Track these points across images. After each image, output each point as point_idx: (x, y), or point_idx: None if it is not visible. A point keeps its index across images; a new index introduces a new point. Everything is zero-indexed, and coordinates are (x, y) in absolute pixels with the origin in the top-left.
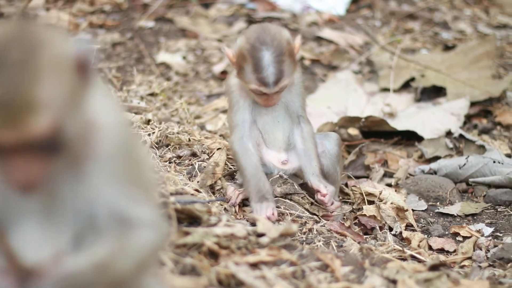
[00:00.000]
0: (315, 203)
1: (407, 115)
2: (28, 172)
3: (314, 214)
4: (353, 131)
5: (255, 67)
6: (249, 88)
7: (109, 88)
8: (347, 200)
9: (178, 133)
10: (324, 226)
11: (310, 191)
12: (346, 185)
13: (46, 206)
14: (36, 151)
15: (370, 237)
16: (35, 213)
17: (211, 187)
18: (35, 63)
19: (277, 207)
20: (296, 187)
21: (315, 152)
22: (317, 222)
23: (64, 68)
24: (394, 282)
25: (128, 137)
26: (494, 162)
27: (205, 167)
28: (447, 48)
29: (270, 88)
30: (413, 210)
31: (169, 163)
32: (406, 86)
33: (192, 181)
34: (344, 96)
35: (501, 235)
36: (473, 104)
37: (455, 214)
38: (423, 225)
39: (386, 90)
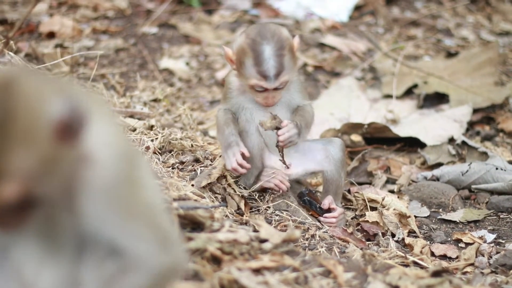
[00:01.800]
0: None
1: (410, 121)
2: (4, 224)
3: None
4: (356, 138)
5: (256, 60)
6: (249, 84)
7: (113, 113)
8: (349, 207)
9: (181, 139)
10: (326, 232)
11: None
12: (349, 191)
13: (45, 236)
14: (8, 211)
15: (372, 243)
16: (33, 243)
17: (211, 190)
18: (8, 131)
19: (280, 213)
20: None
21: (304, 115)
22: (319, 228)
23: (40, 136)
24: None
25: (128, 169)
26: (496, 168)
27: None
28: (450, 55)
29: (270, 81)
30: (415, 217)
31: (172, 168)
32: (409, 92)
33: (193, 185)
34: (347, 103)
35: (503, 241)
36: (475, 111)
37: (458, 221)
38: (425, 231)
39: (389, 96)
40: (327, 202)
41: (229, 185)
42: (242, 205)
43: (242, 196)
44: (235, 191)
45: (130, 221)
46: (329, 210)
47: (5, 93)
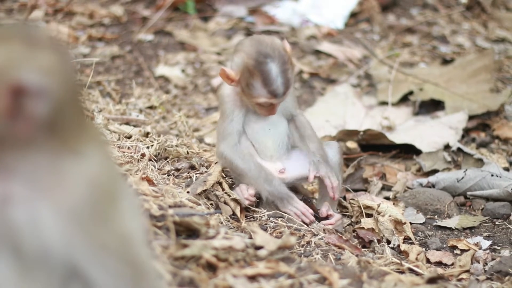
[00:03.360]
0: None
1: (405, 128)
2: None
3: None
4: (352, 145)
5: (265, 81)
6: (256, 102)
7: (99, 128)
8: (345, 213)
9: (176, 146)
10: (322, 239)
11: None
12: (344, 198)
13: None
14: None
15: (368, 250)
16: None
17: (207, 197)
18: None
19: (275, 220)
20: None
21: (311, 132)
22: (315, 235)
23: None
24: None
25: (101, 200)
26: (492, 175)
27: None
28: (446, 62)
29: (280, 98)
30: (411, 223)
31: (168, 175)
32: (404, 99)
33: (188, 192)
34: (342, 110)
35: (499, 248)
36: (471, 117)
37: (453, 227)
38: (421, 238)
39: (384, 103)
40: (324, 210)
41: (224, 191)
42: (238, 212)
43: (238, 202)
44: (229, 196)
45: (99, 252)
46: (326, 217)
47: None
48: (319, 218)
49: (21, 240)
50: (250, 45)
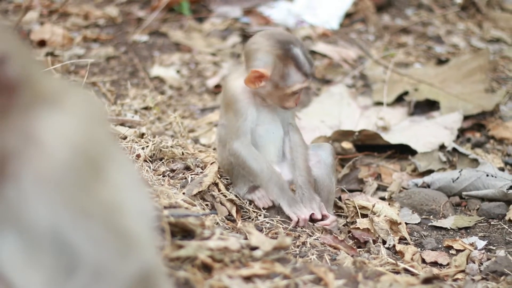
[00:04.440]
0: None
1: (401, 128)
2: None
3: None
4: (347, 145)
5: (298, 65)
6: (290, 92)
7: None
8: (340, 214)
9: (172, 146)
10: (317, 239)
11: None
12: (340, 198)
13: None
14: None
15: (363, 250)
16: None
17: (202, 197)
18: None
19: (270, 220)
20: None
21: (302, 162)
22: (310, 235)
23: None
24: None
25: (84, 166)
26: (487, 175)
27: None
28: (441, 62)
29: (310, 79)
30: (406, 224)
31: (163, 176)
32: (399, 100)
33: (184, 193)
34: (337, 110)
35: (494, 248)
36: (466, 118)
37: (449, 228)
38: (416, 238)
39: (379, 104)
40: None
41: (220, 191)
42: (234, 212)
43: (234, 203)
44: (225, 196)
45: (82, 220)
46: (321, 218)
47: None
48: (314, 220)
49: (17, 216)
50: (267, 39)
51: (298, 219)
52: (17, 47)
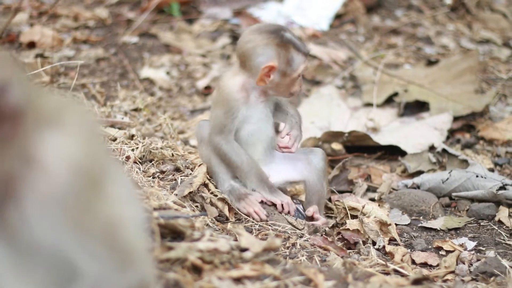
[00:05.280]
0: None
1: (390, 129)
2: None
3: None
4: (337, 146)
5: (296, 45)
6: (297, 75)
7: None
8: (330, 215)
9: (161, 148)
10: (307, 240)
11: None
12: (330, 199)
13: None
14: None
15: (353, 251)
16: None
17: (192, 199)
18: None
19: (260, 222)
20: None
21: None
22: (300, 236)
23: None
24: None
25: (84, 184)
26: (477, 176)
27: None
28: (430, 63)
29: (307, 55)
30: (396, 225)
31: (153, 178)
32: (389, 101)
33: (176, 195)
34: (327, 111)
35: (484, 249)
36: (456, 118)
37: (438, 228)
38: (406, 239)
39: (369, 105)
40: (311, 209)
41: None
42: (226, 211)
43: (226, 202)
44: (216, 196)
45: (84, 239)
46: (312, 218)
47: None
48: (306, 219)
49: (14, 233)
50: (259, 34)
51: (282, 204)
52: (17, 74)
